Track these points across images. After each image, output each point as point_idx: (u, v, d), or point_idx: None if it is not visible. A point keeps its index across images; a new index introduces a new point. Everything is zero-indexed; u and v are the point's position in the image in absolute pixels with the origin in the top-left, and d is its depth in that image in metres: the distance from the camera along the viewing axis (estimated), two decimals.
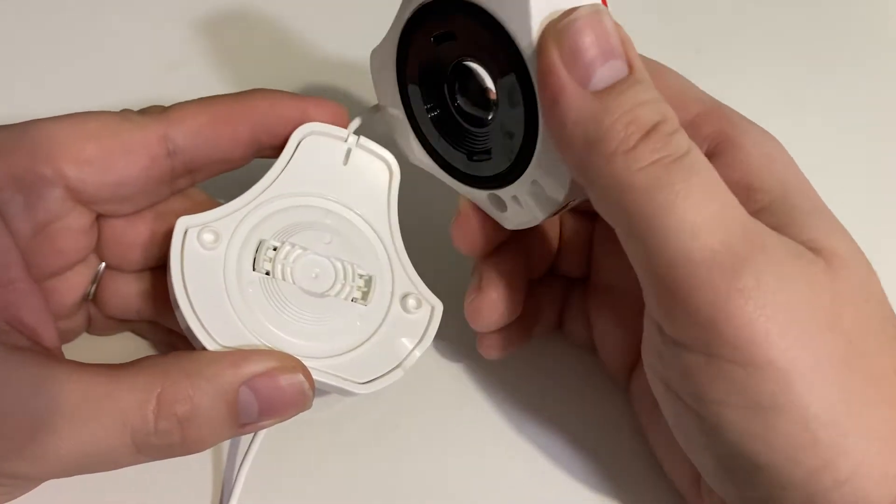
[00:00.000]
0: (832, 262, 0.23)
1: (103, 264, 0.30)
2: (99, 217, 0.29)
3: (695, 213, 0.22)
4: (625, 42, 0.23)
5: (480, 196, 0.30)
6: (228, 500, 0.30)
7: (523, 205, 0.28)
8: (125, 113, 0.29)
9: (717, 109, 0.27)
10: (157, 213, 0.30)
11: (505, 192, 0.28)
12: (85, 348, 0.31)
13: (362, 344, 0.30)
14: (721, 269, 0.22)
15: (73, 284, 0.30)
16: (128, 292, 0.31)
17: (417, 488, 0.32)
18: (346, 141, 0.31)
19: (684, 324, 0.23)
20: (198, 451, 0.27)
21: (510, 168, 0.27)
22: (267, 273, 0.29)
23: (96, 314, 0.31)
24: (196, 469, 0.31)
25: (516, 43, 0.24)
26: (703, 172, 0.22)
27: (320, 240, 0.30)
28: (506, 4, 0.23)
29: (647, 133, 0.22)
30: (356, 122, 0.32)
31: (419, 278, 0.31)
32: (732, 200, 0.23)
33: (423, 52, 0.28)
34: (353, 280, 0.30)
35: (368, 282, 0.30)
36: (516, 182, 0.27)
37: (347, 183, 0.31)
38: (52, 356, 0.26)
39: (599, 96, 0.22)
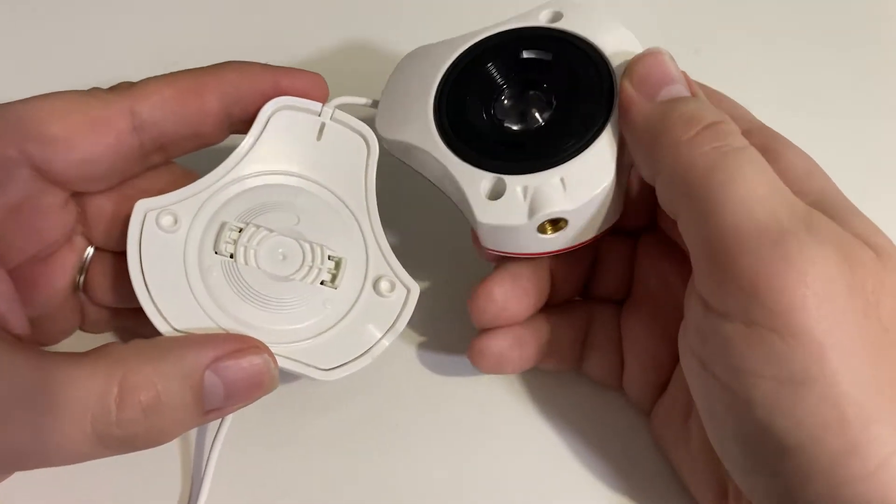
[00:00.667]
0: (881, 254, 0.24)
1: (91, 249, 0.31)
2: (79, 195, 0.29)
3: (747, 191, 0.24)
4: (686, 76, 0.28)
5: (474, 177, 0.28)
6: (199, 491, 0.29)
7: (526, 197, 0.27)
8: (93, 91, 0.29)
9: (765, 129, 0.29)
10: (140, 190, 0.30)
11: (519, 179, 0.27)
12: (79, 347, 0.32)
13: (329, 329, 0.28)
14: (766, 237, 0.23)
15: (60, 269, 0.30)
16: (115, 274, 0.31)
17: (392, 481, 0.31)
18: (319, 115, 0.30)
19: (728, 290, 0.24)
20: (161, 443, 0.26)
21: (552, 155, 0.28)
22: (231, 256, 0.28)
23: (89, 307, 0.31)
24: (164, 460, 0.31)
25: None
26: (757, 163, 0.25)
27: (288, 221, 0.29)
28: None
29: (707, 126, 0.25)
30: (338, 101, 0.31)
31: (396, 260, 0.30)
32: (784, 188, 0.25)
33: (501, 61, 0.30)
34: (322, 262, 0.29)
35: (339, 264, 0.29)
36: (544, 171, 0.27)
37: (321, 160, 0.30)
38: (14, 342, 0.26)
39: (664, 103, 0.27)
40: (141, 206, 0.28)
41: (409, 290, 0.29)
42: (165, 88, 0.29)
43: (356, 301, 0.29)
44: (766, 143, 0.27)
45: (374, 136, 0.30)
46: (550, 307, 0.32)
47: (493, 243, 0.28)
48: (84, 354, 0.25)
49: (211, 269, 0.28)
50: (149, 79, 0.29)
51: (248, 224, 0.29)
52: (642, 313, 0.32)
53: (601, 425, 0.32)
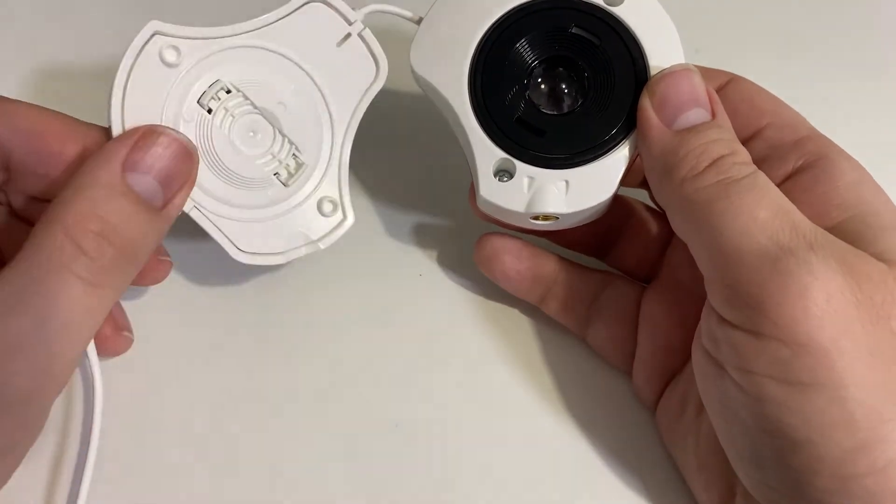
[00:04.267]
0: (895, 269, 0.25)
1: None
2: None
3: (747, 217, 0.25)
4: (710, 95, 0.28)
5: (490, 152, 0.29)
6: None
7: (530, 189, 0.29)
8: None
9: (820, 138, 0.30)
10: None
11: (529, 169, 0.29)
12: None
13: (262, 220, 0.30)
14: (767, 257, 0.24)
15: None
16: None
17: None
18: (350, 24, 0.30)
19: (735, 306, 0.25)
20: (146, 253, 0.27)
21: (569, 154, 0.29)
22: (210, 112, 0.29)
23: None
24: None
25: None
26: (758, 189, 0.26)
27: (275, 106, 0.30)
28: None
29: (715, 161, 0.26)
30: (377, 7, 0.31)
31: (347, 189, 0.31)
32: (788, 210, 0.26)
33: (549, 27, 0.30)
34: (286, 158, 0.30)
35: (299, 167, 0.30)
36: (553, 170, 0.29)
37: (331, 67, 0.30)
38: None
39: (680, 134, 0.27)
40: (152, 26, 0.28)
41: (345, 218, 0.31)
42: (39, 119, 0.28)
43: (297, 206, 0.31)
44: (820, 151, 0.28)
45: (386, 69, 0.31)
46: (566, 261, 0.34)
47: (487, 210, 0.31)
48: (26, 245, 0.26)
49: (186, 116, 0.29)
50: (18, 101, 0.28)
51: (237, 91, 0.29)
52: (666, 297, 0.32)
53: (607, 419, 0.33)
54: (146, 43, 0.28)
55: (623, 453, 0.33)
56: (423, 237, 0.36)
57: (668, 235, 0.33)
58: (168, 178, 0.27)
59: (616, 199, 0.30)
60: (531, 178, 0.29)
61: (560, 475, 0.32)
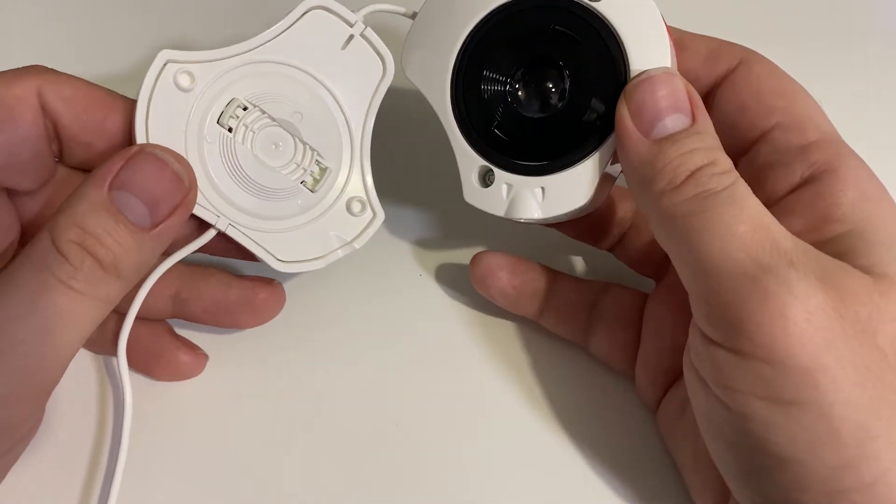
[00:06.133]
0: (882, 283, 0.25)
1: None
2: (12, 195, 0.29)
3: (725, 233, 0.24)
4: (691, 97, 0.27)
5: (470, 158, 0.30)
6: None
7: (508, 195, 0.29)
8: None
9: (834, 141, 0.28)
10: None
11: (506, 176, 0.30)
12: None
13: (296, 228, 0.31)
14: (745, 276, 0.24)
15: None
16: None
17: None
18: (352, 26, 0.31)
19: (715, 324, 0.25)
20: (132, 270, 0.27)
21: (547, 161, 0.29)
22: (230, 130, 0.30)
23: None
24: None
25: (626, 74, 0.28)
26: (738, 202, 0.25)
27: (291, 116, 0.30)
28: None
29: (693, 173, 0.25)
30: (374, 7, 0.31)
31: (373, 187, 0.32)
32: (768, 224, 0.25)
33: (530, 27, 0.29)
34: (310, 165, 0.31)
35: (323, 172, 0.31)
36: (530, 177, 0.29)
37: (339, 69, 0.31)
38: None
39: (658, 144, 0.26)
40: (164, 56, 0.29)
41: (375, 215, 0.32)
42: (81, 86, 0.28)
43: (327, 210, 0.31)
44: (830, 160, 0.27)
45: (392, 65, 0.31)
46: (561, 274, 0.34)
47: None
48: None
49: (209, 137, 0.29)
50: (65, 74, 0.29)
51: (254, 106, 0.30)
52: (672, 297, 0.31)
53: (608, 421, 0.33)
54: (160, 72, 0.28)
55: (621, 457, 0.33)
56: (423, 237, 0.37)
57: None
58: (154, 200, 0.27)
59: (624, 192, 0.30)
60: (510, 185, 0.30)
61: (559, 478, 0.32)
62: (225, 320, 0.33)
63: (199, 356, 0.33)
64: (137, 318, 0.30)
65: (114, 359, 0.32)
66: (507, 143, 0.30)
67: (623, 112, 0.27)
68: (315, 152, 0.31)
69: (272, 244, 0.30)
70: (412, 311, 0.35)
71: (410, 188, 0.38)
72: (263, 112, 0.30)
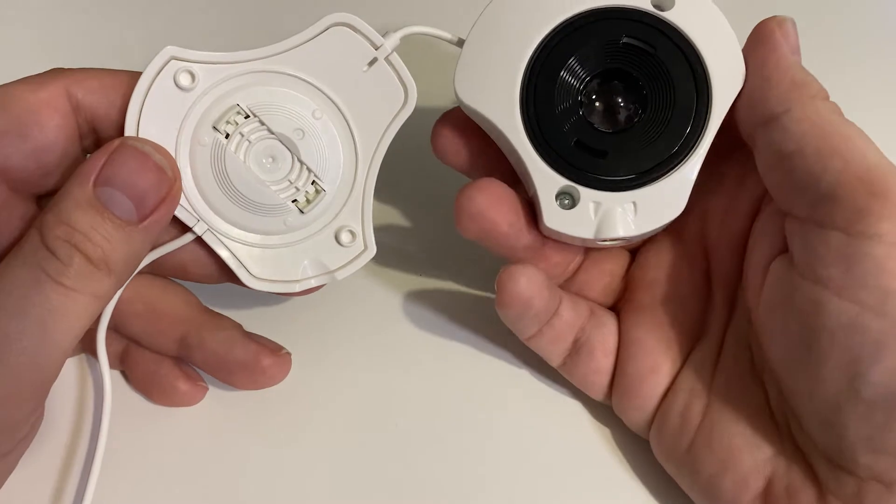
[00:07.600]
0: None
1: None
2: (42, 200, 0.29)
3: (865, 145, 0.26)
4: None
5: (551, 180, 0.28)
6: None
7: (597, 214, 0.28)
8: (21, 79, 0.28)
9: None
10: None
11: (594, 194, 0.28)
12: None
13: (276, 246, 0.30)
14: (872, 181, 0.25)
15: None
16: None
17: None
18: (377, 49, 0.29)
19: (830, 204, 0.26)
20: (123, 265, 0.27)
21: (638, 174, 0.29)
22: (227, 136, 0.29)
23: None
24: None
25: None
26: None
27: (293, 133, 0.29)
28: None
29: (833, 103, 0.27)
30: (413, 29, 0.29)
31: (370, 219, 0.30)
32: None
33: (598, 40, 0.29)
34: (303, 185, 0.29)
35: (317, 195, 0.29)
36: (619, 192, 0.28)
37: (356, 92, 0.29)
38: None
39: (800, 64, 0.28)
40: (169, 51, 0.28)
41: (365, 249, 0.30)
42: (105, 75, 0.28)
43: (314, 234, 0.30)
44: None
45: (415, 96, 0.29)
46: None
47: (553, 236, 0.30)
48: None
49: (202, 140, 0.28)
50: (84, 68, 0.28)
51: (255, 116, 0.29)
52: (645, 318, 0.32)
53: (609, 421, 0.33)
54: (162, 67, 0.28)
55: (623, 458, 0.32)
56: (423, 237, 0.36)
57: (629, 258, 0.33)
58: (139, 193, 0.27)
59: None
60: (597, 203, 0.28)
61: (560, 478, 0.32)
62: (222, 377, 0.33)
63: (199, 387, 0.33)
64: (143, 345, 0.32)
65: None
66: (590, 159, 0.28)
67: (774, 27, 0.28)
68: (312, 173, 0.29)
69: (248, 258, 0.29)
70: (412, 311, 0.35)
71: (414, 184, 0.37)
72: (263, 124, 0.29)
